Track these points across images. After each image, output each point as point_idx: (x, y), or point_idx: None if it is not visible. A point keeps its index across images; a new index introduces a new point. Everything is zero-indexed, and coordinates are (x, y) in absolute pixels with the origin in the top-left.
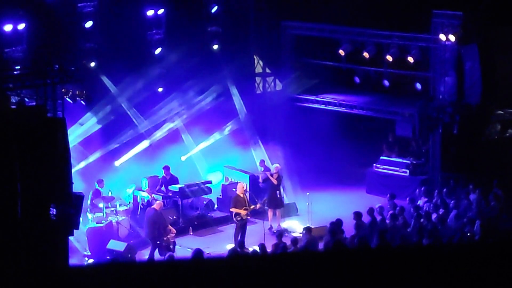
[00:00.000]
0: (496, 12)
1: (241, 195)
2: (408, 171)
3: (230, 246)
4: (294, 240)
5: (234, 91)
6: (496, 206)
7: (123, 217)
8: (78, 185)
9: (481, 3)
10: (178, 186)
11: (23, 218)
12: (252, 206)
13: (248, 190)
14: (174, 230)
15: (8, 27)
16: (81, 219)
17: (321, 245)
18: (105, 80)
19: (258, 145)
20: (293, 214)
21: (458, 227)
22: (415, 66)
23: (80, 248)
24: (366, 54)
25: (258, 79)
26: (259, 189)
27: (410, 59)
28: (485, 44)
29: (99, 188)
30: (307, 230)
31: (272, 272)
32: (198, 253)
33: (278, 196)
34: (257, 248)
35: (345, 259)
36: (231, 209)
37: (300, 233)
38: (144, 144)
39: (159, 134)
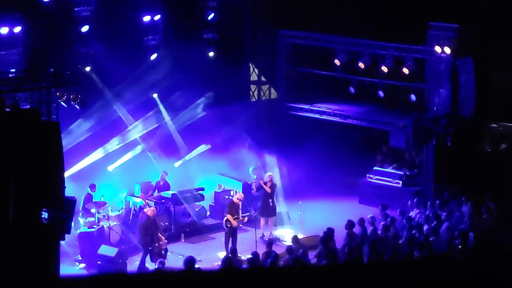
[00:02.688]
0: (492, 25)
1: (237, 202)
2: (401, 182)
3: (222, 253)
4: (290, 249)
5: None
6: (488, 219)
7: (115, 223)
8: (70, 189)
9: (477, 16)
10: (170, 192)
11: (14, 222)
12: (242, 219)
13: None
14: (164, 239)
15: (4, 30)
16: (72, 223)
17: (312, 255)
18: (100, 84)
19: (251, 153)
20: (285, 223)
21: (450, 239)
22: (410, 78)
23: (71, 253)
24: (361, 64)
25: (253, 87)
26: (252, 197)
27: (405, 70)
28: (480, 57)
29: (91, 193)
30: (294, 239)
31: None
32: (190, 261)
33: (271, 204)
34: (250, 256)
35: (337, 273)
36: (226, 215)
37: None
38: (137, 149)
39: (152, 139)
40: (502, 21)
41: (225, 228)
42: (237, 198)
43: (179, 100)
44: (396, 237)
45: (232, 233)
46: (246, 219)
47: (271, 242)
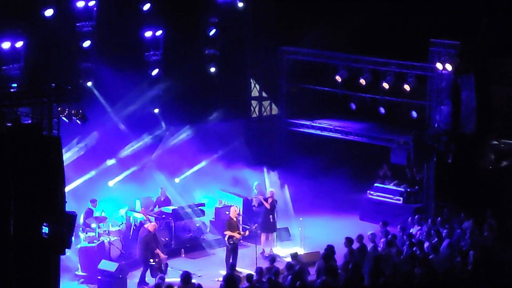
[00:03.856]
0: (493, 43)
1: (234, 219)
2: (402, 198)
3: (223, 271)
4: (289, 266)
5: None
6: (489, 236)
7: (115, 238)
8: (71, 204)
9: (478, 34)
10: (171, 207)
11: (15, 236)
12: (243, 233)
13: (241, 213)
14: (164, 254)
15: (6, 45)
16: (73, 238)
17: (312, 271)
18: (101, 100)
19: (252, 168)
20: (285, 239)
21: (451, 256)
22: (412, 94)
23: (72, 268)
24: (362, 81)
25: (254, 103)
26: (253, 212)
27: (407, 87)
28: (482, 74)
29: (92, 208)
30: (294, 256)
31: None
32: (186, 276)
33: (272, 220)
34: (251, 271)
35: None
36: (225, 233)
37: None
38: (138, 165)
39: (153, 155)
40: (504, 38)
41: (228, 244)
42: (234, 215)
43: (180, 116)
44: (397, 254)
45: (233, 250)
46: (247, 233)
47: (273, 258)
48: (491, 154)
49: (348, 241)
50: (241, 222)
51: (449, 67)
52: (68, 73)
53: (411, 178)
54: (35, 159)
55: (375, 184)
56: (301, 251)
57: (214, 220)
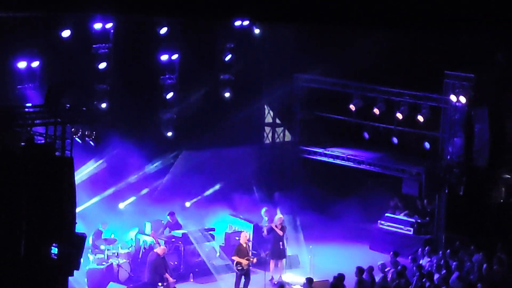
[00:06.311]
0: (508, 77)
1: (244, 245)
2: (412, 229)
3: None
4: None
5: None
6: (499, 270)
7: (124, 260)
8: (80, 225)
9: (493, 67)
10: (181, 231)
11: (25, 256)
12: (252, 259)
13: (251, 239)
14: (172, 278)
15: (22, 64)
16: (82, 259)
17: None
18: (116, 122)
19: (263, 194)
20: (295, 266)
21: None
22: (425, 125)
23: None
24: (376, 111)
25: (267, 129)
26: (262, 239)
27: (420, 117)
28: (495, 107)
29: (102, 229)
30: (308, 281)
31: None
32: None
33: (281, 247)
34: None
35: None
36: (233, 257)
37: (301, 286)
38: (149, 187)
39: (165, 178)
40: None
41: (236, 271)
42: (244, 241)
43: (193, 140)
44: (406, 285)
45: (244, 275)
46: (255, 259)
47: (282, 285)
48: (502, 187)
49: (359, 271)
50: (250, 248)
51: (463, 99)
52: (83, 94)
53: (422, 209)
54: (47, 179)
55: (386, 214)
56: None
57: (223, 245)
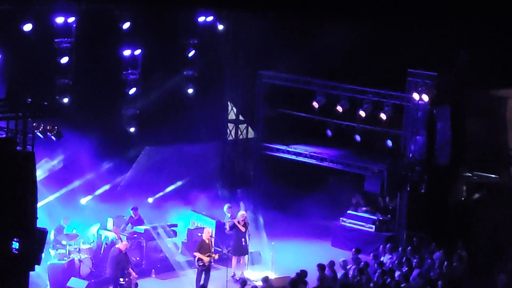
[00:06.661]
0: (470, 75)
1: (207, 241)
2: (374, 227)
3: None
4: None
5: None
6: (459, 267)
7: (86, 256)
8: (42, 220)
9: (456, 66)
10: (143, 227)
11: None
12: (214, 255)
13: (213, 236)
14: (134, 274)
15: None
16: (43, 254)
17: None
18: (77, 116)
19: (226, 191)
20: (257, 263)
21: (421, 286)
22: (387, 123)
23: (41, 284)
24: (339, 108)
25: (230, 126)
26: (225, 235)
27: (383, 115)
28: (457, 106)
29: (63, 225)
30: (264, 280)
31: None
32: None
33: (244, 243)
34: None
35: None
36: (194, 253)
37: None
38: (111, 183)
39: (127, 174)
40: (480, 71)
41: (198, 266)
42: (206, 237)
43: (156, 136)
44: (368, 282)
45: (205, 271)
46: (217, 256)
47: (244, 281)
48: (463, 185)
49: (320, 267)
50: (213, 244)
51: (425, 97)
52: (44, 88)
53: (384, 207)
54: (8, 173)
55: (348, 211)
56: (272, 275)
57: (186, 241)
